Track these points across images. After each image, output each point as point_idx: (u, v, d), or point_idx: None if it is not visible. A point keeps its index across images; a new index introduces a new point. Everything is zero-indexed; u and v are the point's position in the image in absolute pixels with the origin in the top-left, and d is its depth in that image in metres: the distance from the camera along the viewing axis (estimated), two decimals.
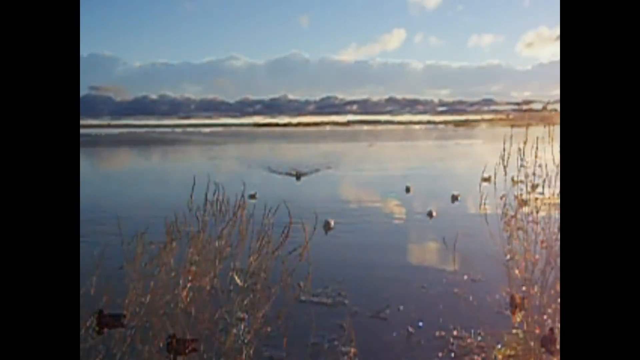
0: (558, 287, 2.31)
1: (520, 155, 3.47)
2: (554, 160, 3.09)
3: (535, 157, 3.26)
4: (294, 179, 17.28)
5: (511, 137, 3.52)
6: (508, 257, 2.74)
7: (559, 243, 1.80)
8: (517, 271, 2.62)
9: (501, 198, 3.05)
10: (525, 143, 3.44)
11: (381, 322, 4.53)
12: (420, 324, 4.43)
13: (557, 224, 2.50)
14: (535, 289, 2.42)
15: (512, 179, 3.78)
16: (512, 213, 2.83)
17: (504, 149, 3.62)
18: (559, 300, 1.58)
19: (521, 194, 3.41)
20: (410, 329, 4.29)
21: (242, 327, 2.72)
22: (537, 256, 2.51)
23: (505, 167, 3.55)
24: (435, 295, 5.26)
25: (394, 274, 6.08)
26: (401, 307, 4.87)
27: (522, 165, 3.44)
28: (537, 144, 3.37)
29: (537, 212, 2.63)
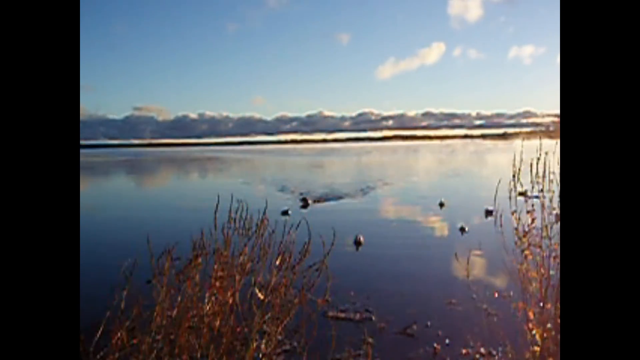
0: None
1: (550, 169, 3.43)
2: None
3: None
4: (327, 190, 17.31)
5: (540, 149, 3.48)
6: (524, 273, 2.72)
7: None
8: (532, 287, 2.60)
9: (512, 214, 3.02)
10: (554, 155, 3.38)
11: (408, 339, 4.51)
12: (447, 340, 4.39)
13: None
14: (550, 305, 2.39)
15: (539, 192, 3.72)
16: (526, 228, 2.80)
17: (531, 163, 3.58)
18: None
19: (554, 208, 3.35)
20: (437, 346, 4.26)
21: (264, 341, 2.78)
22: (551, 272, 2.49)
23: (537, 181, 3.50)
24: (464, 311, 5.20)
25: (423, 290, 6.05)
26: (429, 323, 4.84)
27: (551, 180, 3.39)
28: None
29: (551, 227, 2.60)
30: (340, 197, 16.31)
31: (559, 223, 2.50)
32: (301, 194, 17.22)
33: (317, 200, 15.68)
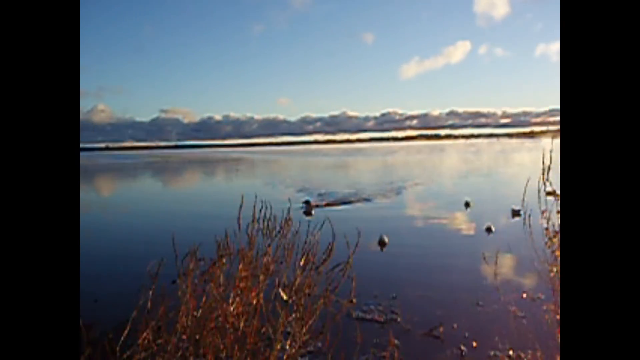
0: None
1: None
2: None
3: None
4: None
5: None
6: (554, 274, 2.64)
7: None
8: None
9: (542, 213, 2.95)
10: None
11: (434, 341, 4.45)
12: (475, 343, 4.31)
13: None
14: None
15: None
16: (557, 229, 2.72)
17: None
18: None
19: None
20: (463, 348, 4.19)
21: (288, 342, 2.76)
22: None
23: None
24: (491, 313, 5.10)
25: (450, 291, 5.96)
26: (455, 325, 4.76)
27: None
28: None
29: None
30: (366, 199, 16.11)
31: None
32: (320, 195, 16.70)
33: (328, 204, 14.32)
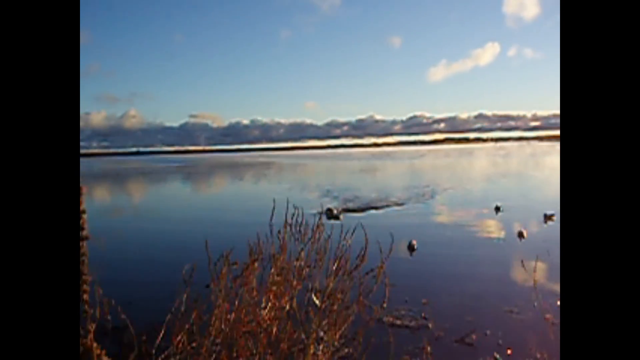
0: None
1: None
2: None
3: None
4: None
5: None
6: None
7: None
8: None
9: None
10: None
11: (466, 348, 4.38)
12: (509, 351, 4.23)
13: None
14: None
15: None
16: None
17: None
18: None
19: None
20: (497, 356, 4.11)
21: (321, 347, 2.76)
22: None
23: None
24: (525, 320, 5.00)
25: (481, 297, 5.86)
26: (488, 332, 4.68)
27: None
28: None
29: None
30: (394, 204, 15.98)
31: None
32: (345, 200, 16.51)
33: (352, 209, 13.95)
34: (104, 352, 1.60)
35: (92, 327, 1.52)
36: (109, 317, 2.28)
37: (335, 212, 12.76)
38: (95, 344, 1.55)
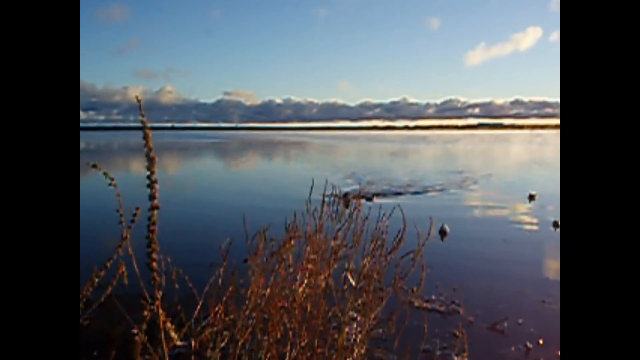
0: None
1: None
2: None
3: None
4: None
5: None
6: None
7: None
8: None
9: None
10: None
11: (498, 335, 4.35)
12: (541, 340, 4.18)
13: None
14: None
15: None
16: None
17: None
18: None
19: None
20: (529, 345, 4.07)
21: (355, 326, 2.79)
22: None
23: None
24: (558, 311, 4.92)
25: (513, 286, 5.80)
26: (520, 321, 4.64)
27: None
28: None
29: None
30: (422, 191, 15.86)
31: None
32: (369, 183, 16.23)
33: (384, 194, 13.49)
34: (168, 319, 1.65)
35: (159, 294, 1.56)
36: (176, 286, 2.34)
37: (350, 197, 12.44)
38: (161, 311, 1.60)
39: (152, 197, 1.45)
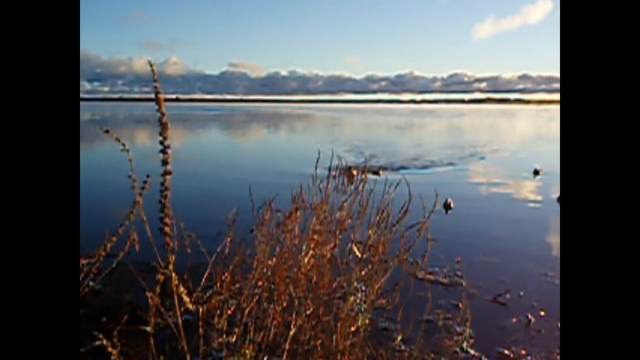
0: None
1: None
2: None
3: None
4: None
5: None
6: None
7: None
8: None
9: None
10: None
11: (499, 307, 4.41)
12: (542, 313, 4.24)
13: None
14: None
15: None
16: None
17: None
18: None
19: None
20: (531, 317, 4.13)
21: (360, 296, 2.84)
22: None
23: None
24: (559, 284, 4.97)
25: (515, 259, 5.85)
26: (521, 293, 4.69)
27: None
28: None
29: None
30: (436, 163, 15.82)
31: None
32: (372, 156, 16.16)
33: (389, 168, 13.20)
34: (180, 283, 1.69)
35: (172, 258, 1.59)
36: (189, 251, 2.38)
37: (352, 172, 12.12)
38: (174, 274, 1.63)
39: (165, 162, 1.46)
